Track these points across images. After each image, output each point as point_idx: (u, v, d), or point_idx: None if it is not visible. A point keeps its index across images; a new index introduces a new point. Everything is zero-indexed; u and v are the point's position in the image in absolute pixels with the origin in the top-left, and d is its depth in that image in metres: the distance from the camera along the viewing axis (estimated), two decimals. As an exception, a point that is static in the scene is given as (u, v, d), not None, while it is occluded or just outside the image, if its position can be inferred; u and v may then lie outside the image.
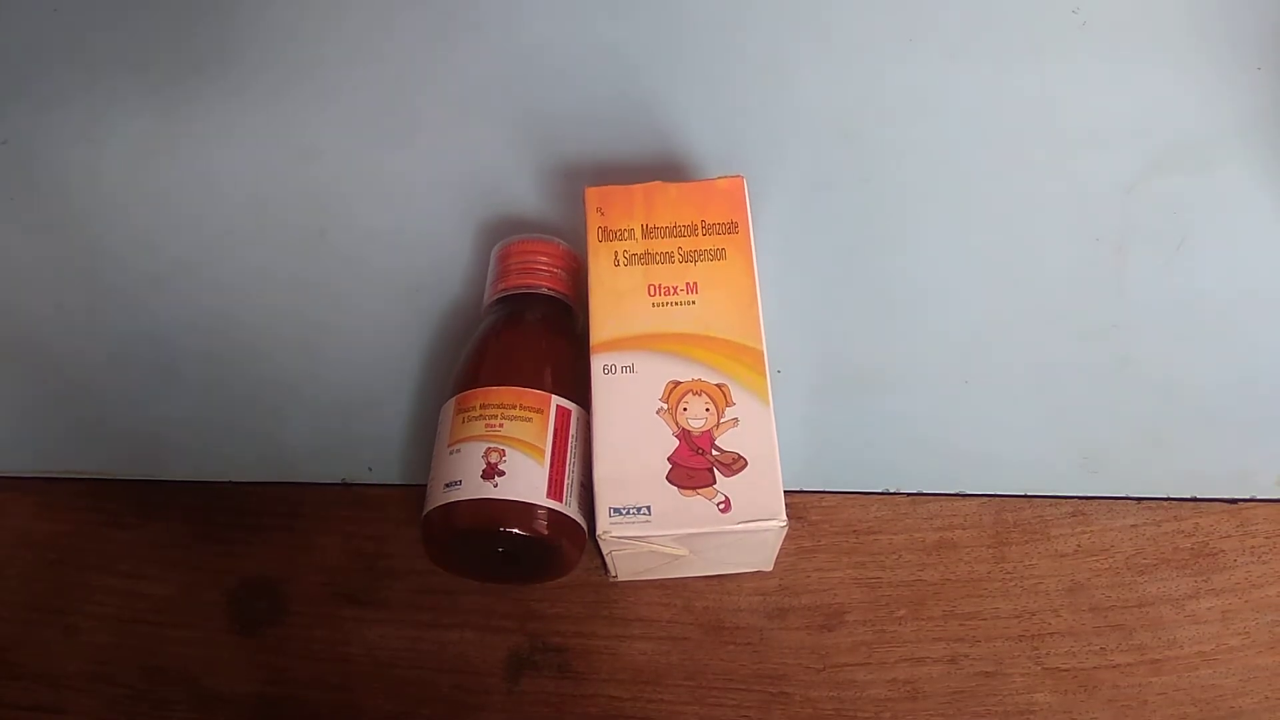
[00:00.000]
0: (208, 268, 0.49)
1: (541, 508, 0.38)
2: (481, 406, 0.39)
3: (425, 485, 0.39)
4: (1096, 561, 0.41)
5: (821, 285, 0.47)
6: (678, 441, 0.38)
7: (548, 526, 0.38)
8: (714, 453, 0.37)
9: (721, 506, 0.37)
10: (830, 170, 0.50)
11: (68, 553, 0.44)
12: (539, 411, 0.39)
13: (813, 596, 0.41)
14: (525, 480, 0.38)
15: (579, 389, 0.40)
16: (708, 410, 0.38)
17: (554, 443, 0.39)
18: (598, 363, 0.39)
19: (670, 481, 0.37)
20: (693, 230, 0.41)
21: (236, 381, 0.46)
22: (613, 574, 0.41)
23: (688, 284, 0.40)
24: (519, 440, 0.38)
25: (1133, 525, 0.42)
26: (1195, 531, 0.42)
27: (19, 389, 0.47)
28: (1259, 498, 0.42)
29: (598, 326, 0.40)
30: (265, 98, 0.53)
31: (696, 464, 0.37)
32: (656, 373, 0.39)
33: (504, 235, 0.45)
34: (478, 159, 0.51)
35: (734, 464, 0.37)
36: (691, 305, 0.40)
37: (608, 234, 0.42)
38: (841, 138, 0.50)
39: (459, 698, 0.40)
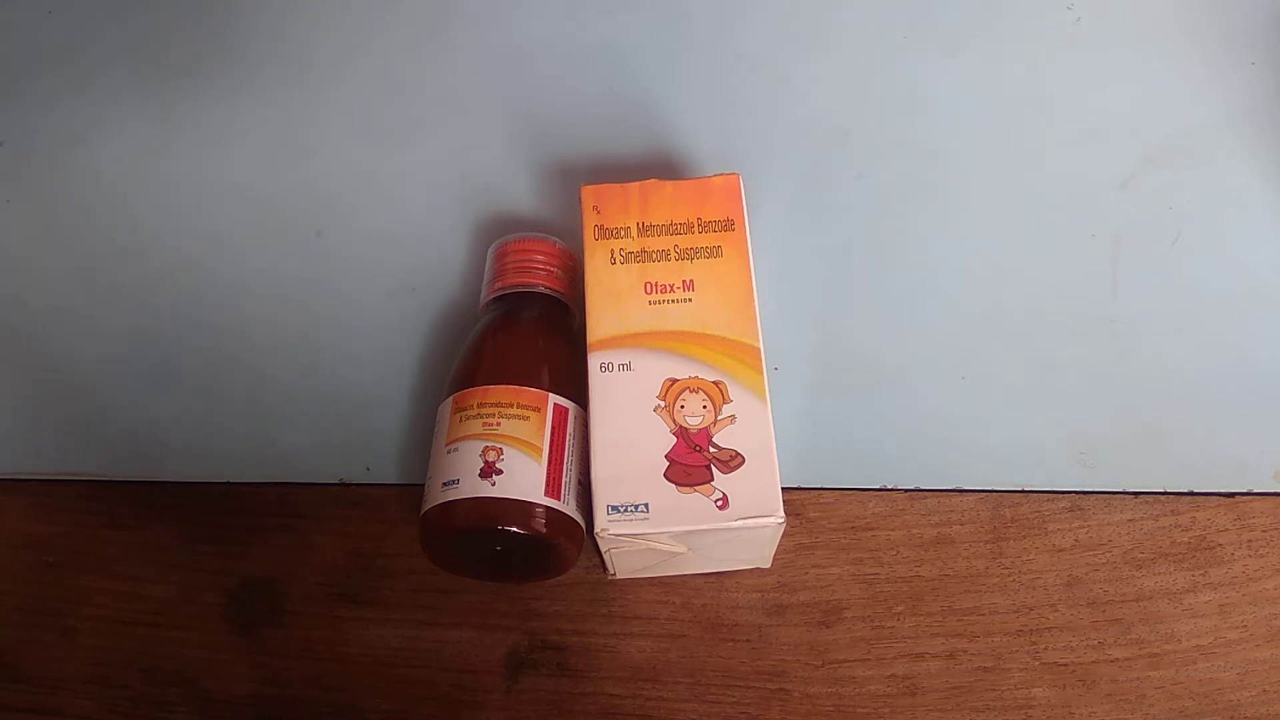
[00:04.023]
0: (205, 268, 0.49)
1: (539, 506, 0.38)
2: (479, 405, 0.39)
3: (423, 484, 0.39)
4: (1094, 556, 0.41)
5: (818, 282, 0.47)
6: (675, 439, 0.38)
7: (546, 525, 0.38)
8: (711, 450, 0.37)
9: (719, 503, 0.37)
10: (826, 167, 0.50)
11: (65, 554, 0.44)
12: (536, 410, 0.39)
13: (811, 593, 0.41)
14: (523, 479, 0.38)
15: (576, 387, 0.40)
16: (705, 407, 0.38)
17: (551, 441, 0.39)
18: (595, 361, 0.39)
19: (668, 479, 0.37)
20: (689, 228, 0.41)
21: (234, 382, 0.46)
22: (611, 572, 0.41)
23: (684, 281, 0.40)
24: (516, 439, 0.38)
25: (1130, 520, 0.42)
26: (1192, 525, 0.42)
27: (16, 390, 0.47)
28: (1256, 491, 0.42)
29: (594, 324, 0.40)
30: (262, 98, 0.53)
31: (694, 461, 0.37)
32: (653, 370, 0.39)
33: (500, 234, 0.46)
34: (474, 158, 0.51)
35: (731, 461, 0.37)
36: (688, 303, 0.40)
37: (604, 232, 0.42)
38: (837, 135, 0.50)
39: (458, 696, 0.40)
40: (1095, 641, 0.40)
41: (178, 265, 0.49)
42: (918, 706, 0.39)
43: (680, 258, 0.41)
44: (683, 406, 0.38)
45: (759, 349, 0.39)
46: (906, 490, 0.43)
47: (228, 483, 0.45)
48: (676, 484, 0.37)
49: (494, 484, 0.37)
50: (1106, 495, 0.42)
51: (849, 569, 0.42)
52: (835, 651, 0.40)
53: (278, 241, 0.49)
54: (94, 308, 0.49)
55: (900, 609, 0.41)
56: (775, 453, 0.37)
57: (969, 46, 0.52)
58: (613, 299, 0.40)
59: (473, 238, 0.49)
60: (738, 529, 0.37)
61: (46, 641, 0.42)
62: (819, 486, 0.43)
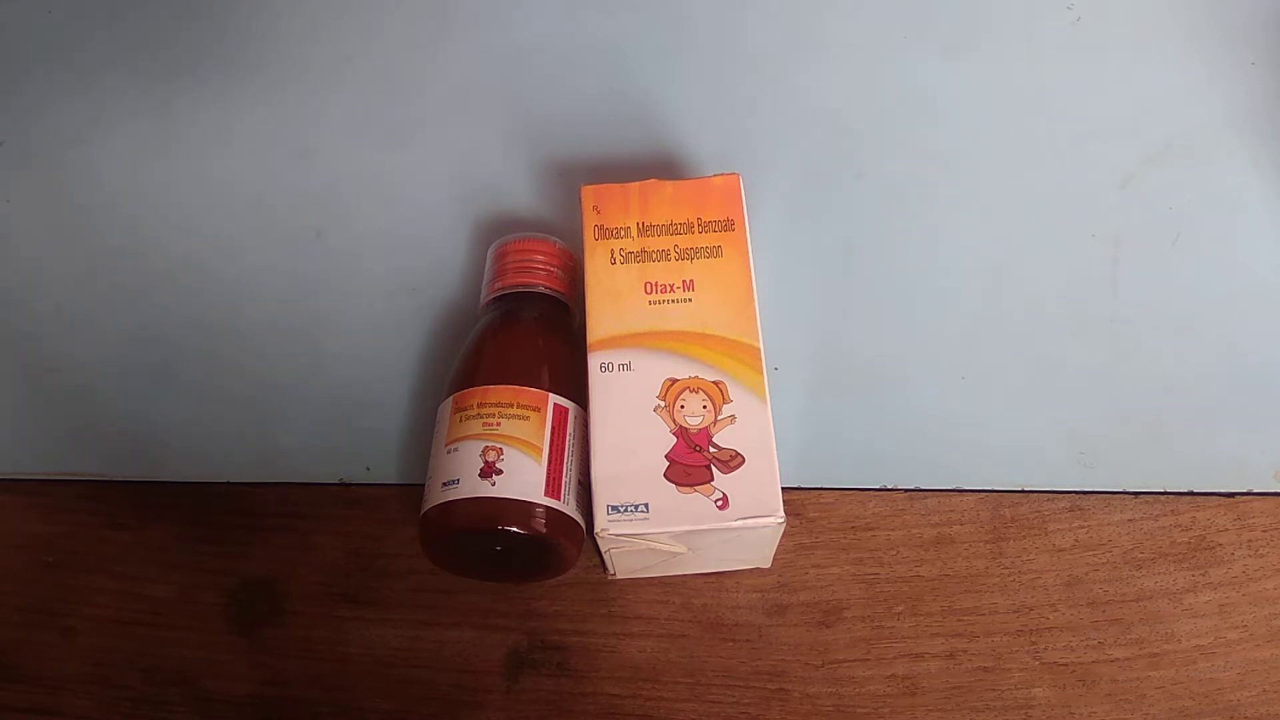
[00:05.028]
0: (205, 268, 0.49)
1: (539, 506, 0.38)
2: (479, 405, 0.39)
3: (423, 484, 0.39)
4: (1094, 556, 0.41)
5: (818, 282, 0.47)
6: (675, 439, 0.38)
7: (546, 525, 0.38)
8: (711, 450, 0.37)
9: (719, 503, 0.37)
10: (826, 167, 0.50)
11: (66, 554, 0.44)
12: (536, 410, 0.39)
13: (811, 593, 0.41)
14: (523, 479, 0.38)
15: (576, 387, 0.40)
16: (705, 407, 0.38)
17: (551, 441, 0.39)
18: (595, 361, 0.39)
19: (668, 479, 0.37)
20: (689, 228, 0.41)
21: (234, 382, 0.46)
22: (611, 572, 0.41)
23: (684, 281, 0.40)
24: (516, 439, 0.38)
25: (1130, 520, 0.42)
26: (1192, 525, 0.42)
27: (16, 390, 0.47)
28: (1256, 491, 0.42)
29: (594, 324, 0.40)
30: (261, 98, 0.53)
31: (694, 461, 0.37)
32: (653, 370, 0.39)
33: (500, 234, 0.46)
34: (474, 158, 0.51)
35: (731, 461, 0.37)
36: (688, 303, 0.40)
37: (604, 232, 0.42)
38: (837, 135, 0.50)
39: (458, 696, 0.40)
40: (1095, 641, 0.40)
41: (178, 265, 0.49)
42: (917, 707, 0.39)
43: (680, 258, 0.41)
44: (683, 406, 0.38)
45: (759, 349, 0.39)
46: (906, 490, 0.43)
47: (228, 483, 0.45)
48: (676, 484, 0.37)
49: (494, 484, 0.37)
50: (1106, 495, 0.42)
51: (849, 569, 0.42)
52: (835, 651, 0.40)
53: (278, 242, 0.49)
54: (94, 307, 0.49)
55: (900, 609, 0.41)
56: (775, 453, 0.37)
57: (969, 46, 0.52)
58: (613, 299, 0.40)
59: (473, 238, 0.49)
60: (738, 529, 0.37)
61: (46, 641, 0.42)
62: (819, 486, 0.43)
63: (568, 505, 0.38)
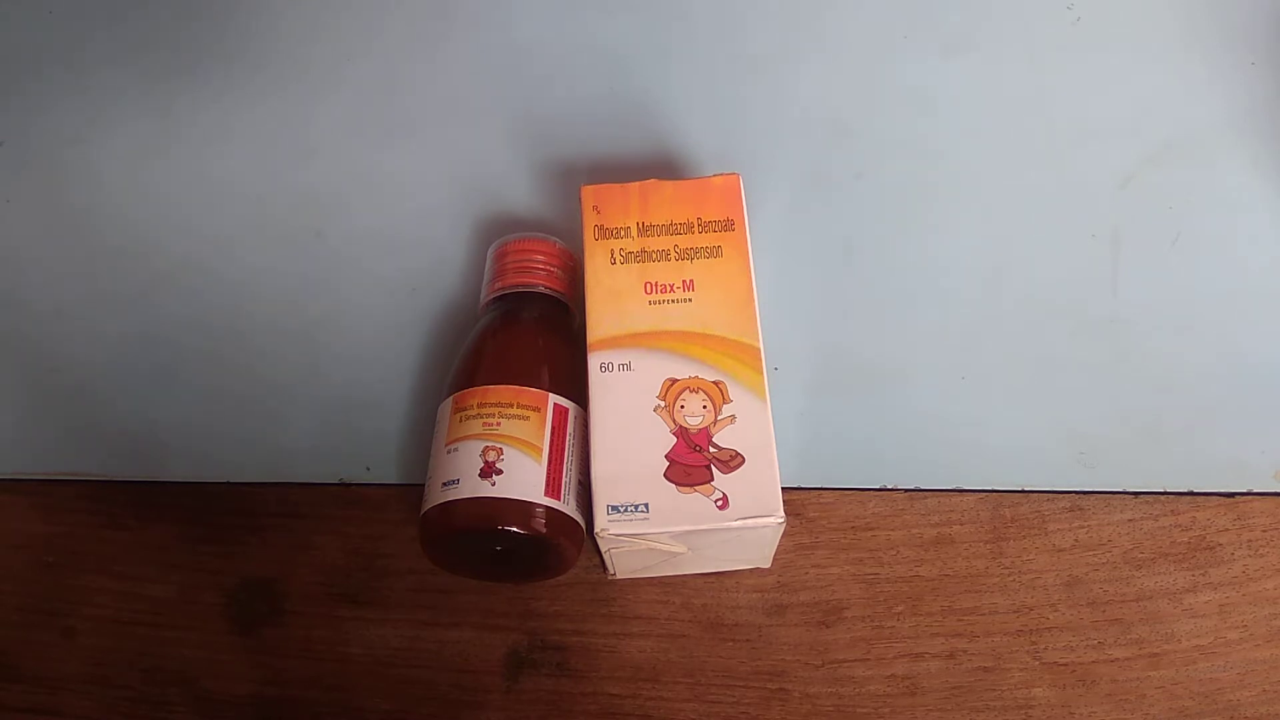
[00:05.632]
0: (205, 268, 0.49)
1: (539, 506, 0.38)
2: (479, 405, 0.39)
3: (423, 484, 0.39)
4: (1094, 556, 0.41)
5: (818, 282, 0.47)
6: (675, 439, 0.38)
7: (546, 525, 0.38)
8: (711, 450, 0.37)
9: (719, 503, 0.37)
10: (826, 167, 0.50)
11: (66, 554, 0.44)
12: (536, 410, 0.39)
13: (811, 593, 0.41)
14: (523, 478, 0.38)
15: (576, 387, 0.40)
16: (705, 407, 0.38)
17: (551, 441, 0.39)
18: (595, 361, 0.39)
19: (668, 479, 0.37)
20: (689, 228, 0.41)
21: (234, 382, 0.46)
22: (611, 572, 0.41)
23: (684, 281, 0.40)
24: (516, 439, 0.38)
25: (1130, 520, 0.42)
26: (1192, 525, 0.42)
27: (16, 390, 0.47)
28: (1256, 491, 0.42)
29: (594, 324, 0.40)
30: (261, 98, 0.53)
31: (694, 461, 0.37)
32: (653, 370, 0.39)
33: (500, 234, 0.46)
34: (474, 158, 0.51)
35: (731, 461, 0.37)
36: (688, 303, 0.40)
37: (604, 232, 0.42)
38: (837, 134, 0.50)
39: (458, 696, 0.40)
40: (1095, 641, 0.40)
41: (178, 265, 0.49)
42: (917, 706, 0.39)
43: (680, 258, 0.41)
44: (683, 406, 0.38)
45: (759, 349, 0.39)
46: (906, 490, 0.43)
47: (228, 483, 0.45)
48: (676, 484, 0.37)
49: (494, 484, 0.37)
50: (1106, 495, 0.42)
51: (849, 569, 0.42)
52: (835, 651, 0.40)
53: (278, 242, 0.49)
54: (94, 308, 0.49)
55: (900, 609, 0.41)
56: (775, 453, 0.37)
57: (969, 46, 0.52)
58: (613, 299, 0.40)
59: (473, 238, 0.49)
60: (738, 529, 0.37)
61: (46, 641, 0.42)
62: (819, 486, 0.43)
63: (568, 505, 0.38)
